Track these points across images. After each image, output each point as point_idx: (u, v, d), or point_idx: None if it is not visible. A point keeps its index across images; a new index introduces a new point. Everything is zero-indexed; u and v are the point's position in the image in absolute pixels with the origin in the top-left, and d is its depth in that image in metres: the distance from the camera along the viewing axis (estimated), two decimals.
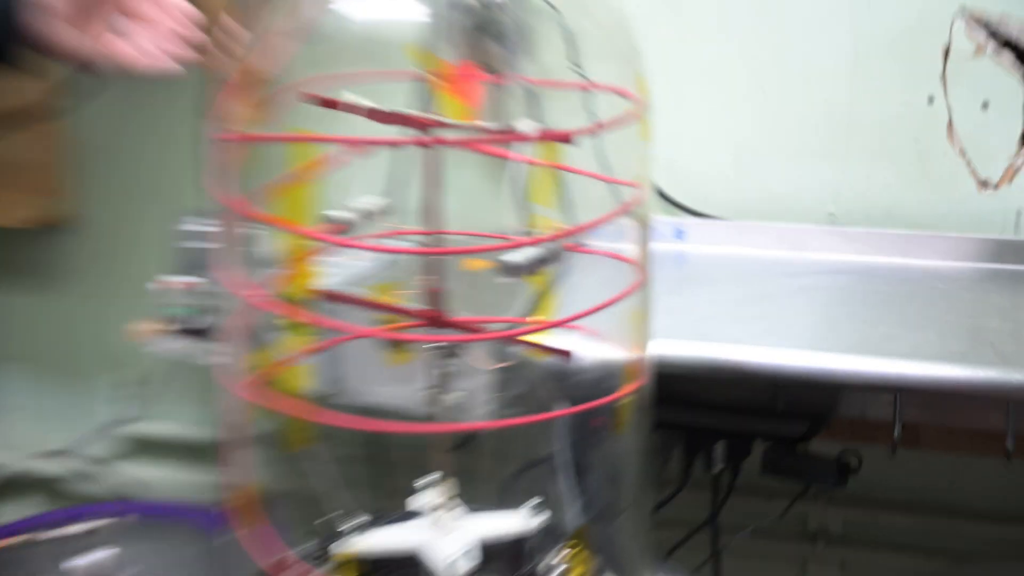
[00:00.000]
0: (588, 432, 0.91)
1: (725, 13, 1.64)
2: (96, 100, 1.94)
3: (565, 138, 0.68)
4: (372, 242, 0.86)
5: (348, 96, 0.77)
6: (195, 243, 1.58)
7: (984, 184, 1.59)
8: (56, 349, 2.15)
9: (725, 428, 1.34)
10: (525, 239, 0.70)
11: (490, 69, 0.85)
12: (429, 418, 0.87)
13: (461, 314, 0.85)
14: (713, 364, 1.11)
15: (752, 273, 1.47)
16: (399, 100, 0.87)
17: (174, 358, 1.66)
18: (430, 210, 0.81)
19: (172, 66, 1.12)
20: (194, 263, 1.57)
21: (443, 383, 0.86)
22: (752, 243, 1.60)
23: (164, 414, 2.08)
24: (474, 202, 1.06)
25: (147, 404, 2.08)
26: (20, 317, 2.15)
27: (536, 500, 0.89)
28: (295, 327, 0.88)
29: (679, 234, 1.62)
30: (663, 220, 1.62)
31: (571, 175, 0.84)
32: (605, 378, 0.83)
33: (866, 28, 1.60)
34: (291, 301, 0.86)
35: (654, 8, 1.65)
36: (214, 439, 0.82)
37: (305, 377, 0.87)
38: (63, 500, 2.16)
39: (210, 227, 1.57)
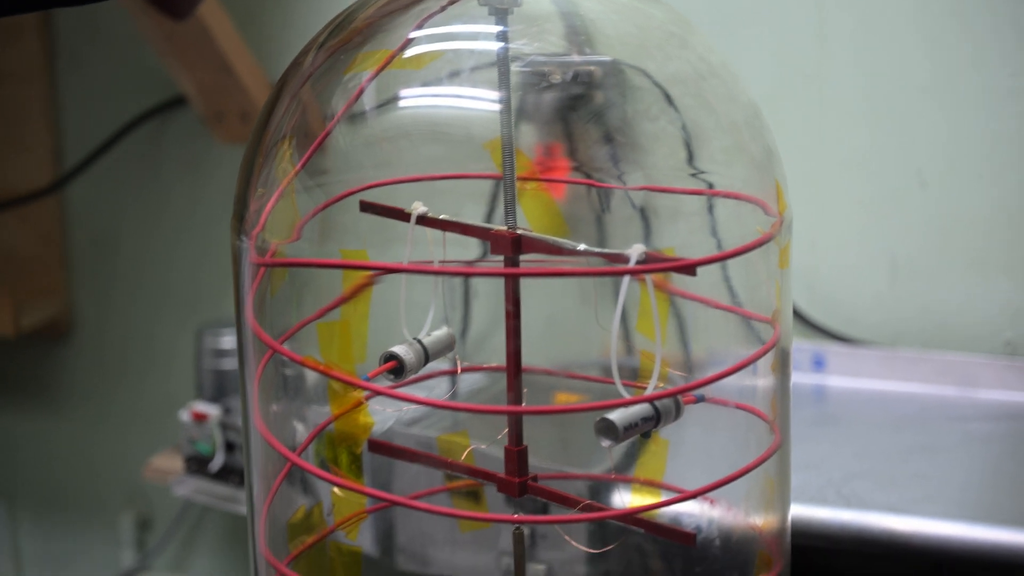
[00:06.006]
0: None
1: (875, 87, 1.62)
2: (99, 177, 1.96)
3: (688, 269, 0.66)
4: (434, 392, 0.84)
5: (417, 206, 0.76)
6: (224, 363, 1.59)
7: None
8: (51, 482, 2.16)
9: None
10: (634, 398, 0.68)
11: (583, 163, 0.84)
12: None
13: (540, 461, 0.83)
14: (861, 536, 1.12)
15: (909, 416, 1.46)
16: (476, 206, 0.86)
17: (197, 501, 1.65)
18: (510, 345, 0.79)
19: None
20: (223, 388, 1.57)
21: (522, 554, 0.84)
22: (909, 376, 1.58)
23: (177, 566, 2.07)
24: (560, 329, 1.04)
25: (158, 553, 2.07)
26: (17, 444, 2.16)
27: None
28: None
29: (818, 363, 1.60)
30: (799, 346, 1.60)
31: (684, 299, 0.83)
32: (730, 562, 0.81)
33: None
34: (342, 451, 0.85)
35: (785, 81, 1.64)
36: None
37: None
38: None
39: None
